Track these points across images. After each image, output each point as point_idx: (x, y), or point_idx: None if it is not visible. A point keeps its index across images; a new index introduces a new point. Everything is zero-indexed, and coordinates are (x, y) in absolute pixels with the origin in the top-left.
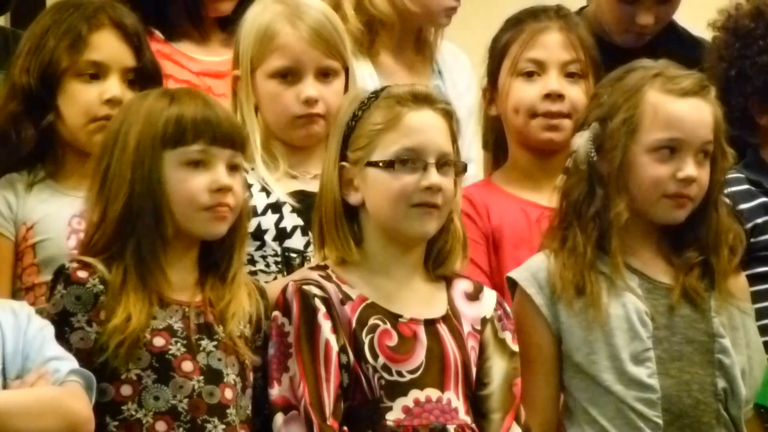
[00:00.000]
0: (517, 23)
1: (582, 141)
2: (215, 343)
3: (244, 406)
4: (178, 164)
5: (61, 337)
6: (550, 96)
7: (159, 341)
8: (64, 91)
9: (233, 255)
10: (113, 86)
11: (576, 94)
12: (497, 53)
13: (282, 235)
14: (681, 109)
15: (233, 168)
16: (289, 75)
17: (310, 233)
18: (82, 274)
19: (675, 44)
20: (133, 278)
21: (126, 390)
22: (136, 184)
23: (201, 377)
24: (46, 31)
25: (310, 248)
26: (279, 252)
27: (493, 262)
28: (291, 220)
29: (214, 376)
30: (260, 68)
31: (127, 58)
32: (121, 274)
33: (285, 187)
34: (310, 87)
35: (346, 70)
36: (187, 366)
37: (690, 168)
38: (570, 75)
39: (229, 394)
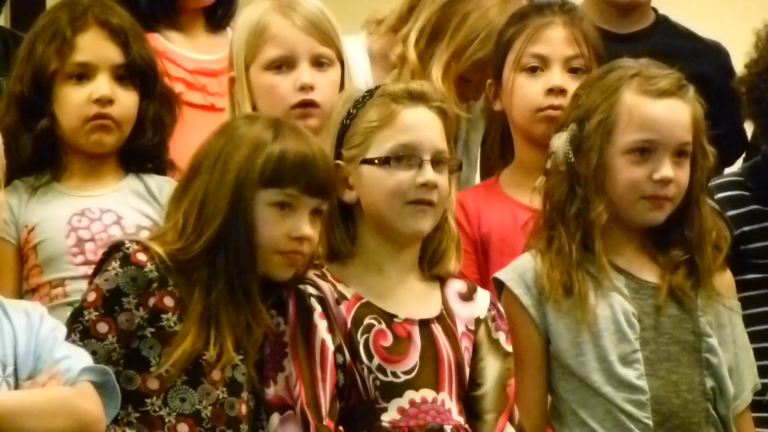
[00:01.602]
0: (521, 18)
1: (560, 142)
2: (241, 357)
3: (250, 425)
4: (266, 204)
5: (109, 315)
6: (552, 91)
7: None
8: (56, 96)
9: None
10: (102, 85)
11: None
12: (501, 48)
13: None
14: (656, 110)
15: (316, 213)
16: (283, 65)
17: None
18: (141, 256)
19: (670, 36)
20: (223, 313)
21: (153, 384)
22: (231, 215)
23: (225, 388)
24: (36, 37)
25: None
26: None
27: (483, 269)
28: None
29: (236, 390)
30: (254, 63)
31: (115, 55)
32: (203, 303)
33: None
34: (305, 73)
35: (342, 64)
36: (216, 375)
37: (666, 169)
38: (573, 70)
39: (243, 409)
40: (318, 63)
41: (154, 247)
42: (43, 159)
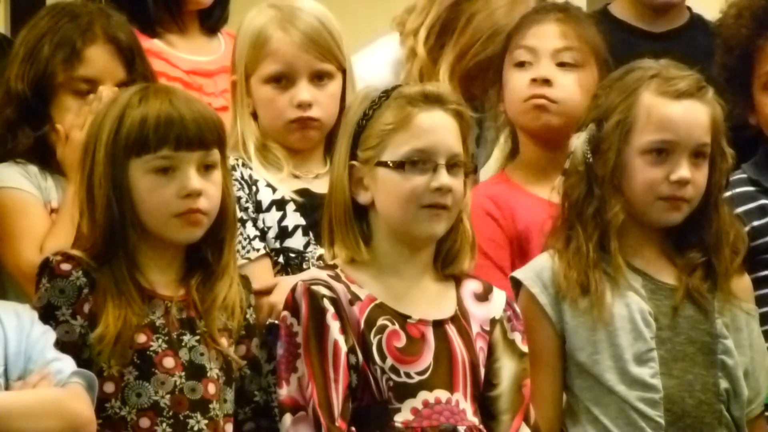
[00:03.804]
0: (521, 20)
1: (578, 142)
2: (197, 337)
3: (229, 399)
4: (145, 172)
5: None
6: (536, 81)
7: (141, 338)
8: (58, 104)
9: (223, 249)
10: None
11: (568, 82)
12: (503, 46)
13: (283, 233)
14: (674, 111)
15: (207, 167)
16: (282, 80)
17: (310, 233)
18: (65, 266)
19: (705, 34)
20: (111, 286)
21: (109, 387)
22: (111, 190)
23: (183, 373)
24: (41, 38)
25: (310, 248)
26: (279, 250)
27: (518, 266)
28: (293, 219)
29: (196, 372)
30: (255, 74)
31: (120, 71)
32: (103, 281)
33: (290, 185)
34: (303, 91)
35: (344, 72)
36: (169, 362)
37: (683, 170)
38: (562, 64)
39: (211, 389)
40: (318, 77)
41: (76, 253)
42: (40, 155)
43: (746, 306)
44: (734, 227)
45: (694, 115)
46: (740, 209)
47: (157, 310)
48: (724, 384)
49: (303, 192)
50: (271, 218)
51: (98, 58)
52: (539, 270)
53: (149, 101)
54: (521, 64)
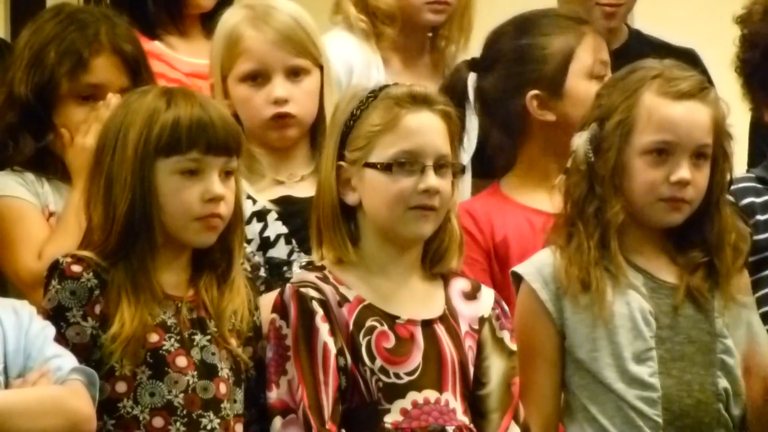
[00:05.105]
0: (567, 28)
1: (580, 141)
2: (208, 337)
3: (239, 399)
4: (171, 172)
5: (57, 332)
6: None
7: (153, 337)
8: (61, 112)
9: (233, 257)
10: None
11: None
12: (561, 58)
13: (265, 244)
14: (675, 112)
15: (228, 173)
16: (258, 77)
17: (293, 240)
18: (76, 268)
19: (645, 50)
20: (126, 284)
21: (121, 387)
22: (136, 189)
23: (195, 372)
24: (47, 44)
25: (293, 256)
26: (262, 262)
27: (499, 277)
28: (275, 228)
29: (208, 371)
30: (230, 74)
31: (124, 80)
32: (117, 279)
33: (270, 193)
34: (278, 87)
35: (322, 68)
36: (182, 361)
37: (683, 171)
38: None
39: (223, 388)
40: (293, 73)
41: (86, 254)
42: (40, 163)
43: (742, 299)
44: (736, 228)
45: (695, 115)
46: (744, 201)
47: (168, 310)
48: (723, 383)
49: (283, 200)
50: (252, 230)
51: (104, 69)
52: (540, 266)
53: (179, 104)
54: (601, 78)
